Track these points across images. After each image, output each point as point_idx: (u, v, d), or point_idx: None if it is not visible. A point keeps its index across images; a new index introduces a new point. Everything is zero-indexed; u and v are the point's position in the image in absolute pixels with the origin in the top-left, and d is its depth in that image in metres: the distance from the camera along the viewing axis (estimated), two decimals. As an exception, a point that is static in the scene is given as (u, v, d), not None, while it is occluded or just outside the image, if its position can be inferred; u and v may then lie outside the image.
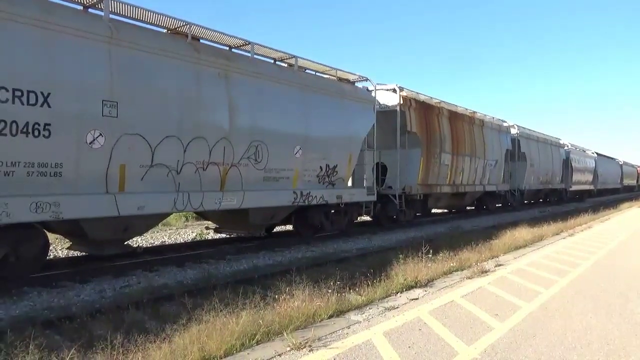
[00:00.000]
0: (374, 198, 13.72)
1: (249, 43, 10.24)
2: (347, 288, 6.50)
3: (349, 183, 14.37)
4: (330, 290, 5.99)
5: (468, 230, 14.92)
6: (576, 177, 34.67)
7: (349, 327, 5.05)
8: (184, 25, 9.12)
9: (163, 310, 5.76)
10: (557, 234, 13.88)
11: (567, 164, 32.61)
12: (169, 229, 13.92)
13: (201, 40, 9.81)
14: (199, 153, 8.77)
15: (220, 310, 4.86)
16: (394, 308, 5.83)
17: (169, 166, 8.29)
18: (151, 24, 9.05)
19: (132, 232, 8.67)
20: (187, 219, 15.76)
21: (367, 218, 17.19)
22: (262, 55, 11.10)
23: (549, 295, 6.61)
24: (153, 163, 8.03)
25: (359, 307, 5.83)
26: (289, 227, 13.72)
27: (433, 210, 20.85)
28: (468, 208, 22.93)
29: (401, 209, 15.23)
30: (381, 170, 15.63)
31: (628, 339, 4.87)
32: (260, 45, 10.56)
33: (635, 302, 6.33)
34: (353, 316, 5.49)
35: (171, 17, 8.97)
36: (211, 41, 10.06)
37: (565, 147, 33.42)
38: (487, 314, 5.61)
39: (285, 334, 4.59)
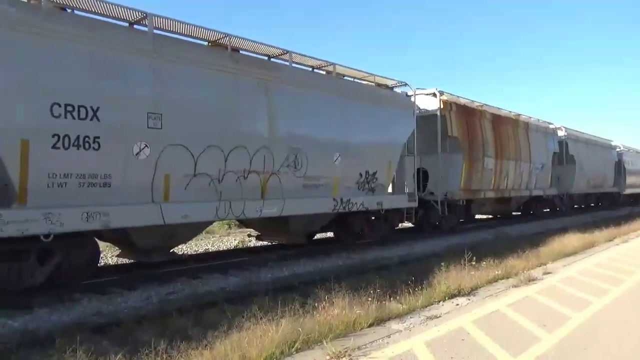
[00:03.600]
0: (415, 204, 13.52)
1: (287, 52, 10.37)
2: (388, 296, 6.42)
3: (390, 189, 14.25)
4: (370, 299, 5.95)
5: (514, 236, 14.46)
6: (630, 180, 32.88)
7: (389, 336, 4.98)
8: (223, 37, 9.34)
9: (205, 317, 5.87)
10: (609, 241, 13.22)
11: (619, 166, 31.04)
12: (212, 237, 14.23)
13: (240, 51, 10.04)
14: (239, 162, 8.93)
15: (261, 318, 4.91)
16: (436, 317, 5.72)
17: (210, 175, 8.48)
18: (193, 37, 9.33)
19: (177, 240, 8.92)
20: (229, 227, 16.07)
21: (409, 225, 16.98)
22: (300, 64, 11.21)
23: (601, 305, 6.29)
24: (196, 172, 8.23)
25: (399, 316, 5.75)
26: (330, 235, 13.73)
27: (477, 216, 20.33)
28: (514, 214, 22.22)
29: (443, 215, 14.94)
30: (422, 176, 15.41)
31: (690, 353, 4.56)
32: (298, 54, 10.67)
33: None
34: (394, 325, 5.42)
35: (211, 30, 9.21)
36: (250, 51, 10.27)
37: (617, 149, 31.84)
38: (535, 324, 5.40)
39: (324, 343, 4.59)
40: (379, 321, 5.49)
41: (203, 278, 8.41)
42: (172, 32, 8.99)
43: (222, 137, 8.64)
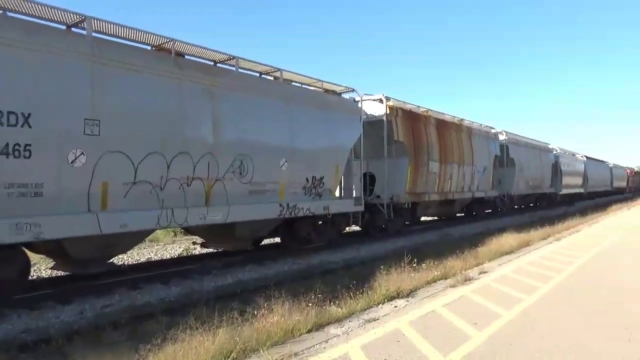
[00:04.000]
0: (361, 208, 13.76)
1: (234, 57, 10.33)
2: (329, 301, 6.52)
3: (337, 194, 14.42)
4: (310, 304, 6.01)
5: (456, 237, 14.98)
6: (566, 180, 34.88)
7: (327, 341, 5.06)
8: (168, 42, 9.18)
9: (142, 329, 5.73)
10: (544, 239, 13.96)
11: (556, 168, 32.85)
12: (157, 245, 13.86)
13: (186, 56, 9.91)
14: (182, 169, 8.79)
15: (197, 328, 4.85)
16: (374, 320, 5.85)
17: (152, 183, 8.29)
18: (136, 41, 9.12)
19: (115, 250, 8.66)
20: (175, 235, 15.69)
21: (357, 228, 17.25)
22: (247, 69, 11.19)
23: (530, 303, 6.65)
24: (136, 180, 8.03)
25: (339, 320, 5.84)
26: (278, 240, 13.72)
27: (422, 218, 20.90)
28: (458, 215, 23.02)
29: (389, 218, 15.27)
30: (369, 180, 15.71)
31: (604, 344, 4.91)
32: (245, 60, 10.65)
33: (613, 306, 6.38)
34: (332, 330, 5.50)
35: (155, 35, 9.04)
36: (196, 56, 10.15)
37: (554, 152, 33.71)
38: (467, 323, 5.64)
39: (261, 351, 4.60)
40: (318, 326, 5.56)
41: (143, 288, 8.19)
42: (114, 35, 8.77)
43: (164, 143, 8.48)
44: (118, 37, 8.79)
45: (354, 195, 14.34)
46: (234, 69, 10.28)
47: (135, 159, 7.97)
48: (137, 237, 8.91)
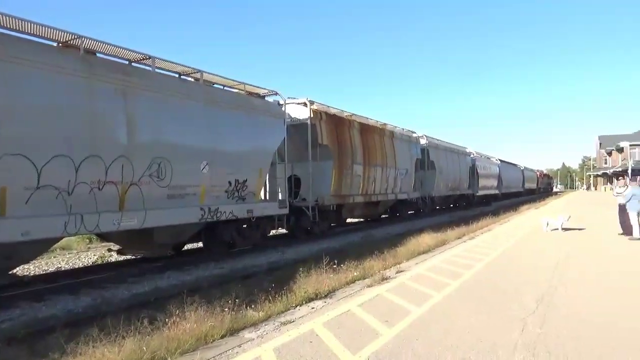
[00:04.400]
0: (286, 211, 13.81)
1: (150, 57, 9.99)
2: (246, 305, 6.46)
3: (262, 197, 14.39)
4: (227, 309, 5.94)
5: (379, 238, 15.44)
6: (482, 182, 37.17)
7: (240, 346, 5.02)
8: (75, 39, 8.71)
9: (42, 344, 5.37)
10: (459, 238, 14.76)
11: (473, 170, 34.90)
12: (69, 253, 13.06)
13: (98, 55, 9.45)
14: (93, 172, 8.36)
15: (100, 340, 4.63)
16: (290, 322, 5.89)
17: (58, 187, 7.81)
18: (40, 37, 8.56)
19: (17, 260, 8.05)
20: (90, 242, 14.88)
21: (284, 231, 17.29)
22: (165, 70, 10.87)
23: (439, 299, 7.00)
24: (39, 185, 7.53)
25: (255, 324, 5.81)
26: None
27: (348, 220, 21.36)
28: (382, 216, 23.76)
29: (315, 221, 15.46)
30: (295, 183, 15.83)
31: (501, 334, 5.27)
32: (162, 60, 10.34)
33: (513, 299, 6.88)
34: (247, 334, 5.47)
35: (62, 31, 8.55)
36: (110, 55, 9.70)
37: (472, 155, 35.77)
38: (378, 321, 5.83)
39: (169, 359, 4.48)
40: (233, 331, 5.50)
41: (50, 300, 7.70)
42: (18, 31, 8.19)
43: (72, 146, 8.03)
44: (22, 32, 8.23)
45: (279, 198, 14.38)
46: (150, 68, 9.93)
47: (38, 162, 7.47)
48: (42, 246, 8.33)
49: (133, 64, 10.07)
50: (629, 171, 41.95)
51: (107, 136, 8.70)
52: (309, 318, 6.07)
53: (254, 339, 5.26)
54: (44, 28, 8.31)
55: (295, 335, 5.35)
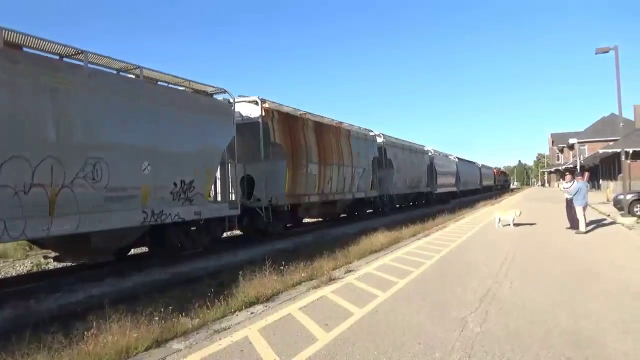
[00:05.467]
0: (237, 212, 13.40)
1: (82, 52, 9.40)
2: (180, 313, 6.08)
3: (216, 197, 13.95)
4: (157, 318, 5.57)
5: (333, 237, 15.24)
6: (440, 180, 37.71)
7: (164, 358, 4.67)
8: (-7, 31, 8.05)
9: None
10: (413, 236, 14.78)
11: (431, 168, 35.33)
12: (3, 262, 12.24)
13: (25, 49, 8.82)
14: (17, 174, 7.73)
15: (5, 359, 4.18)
16: (224, 330, 5.57)
17: (-25, 191, 7.18)
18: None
19: None
20: (30, 249, 14.02)
21: (239, 232, 16.86)
22: (101, 65, 10.29)
23: (383, 299, 6.83)
24: (-48, 189, 6.89)
25: (186, 333, 5.47)
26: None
27: (306, 220, 21.11)
28: (341, 216, 23.62)
29: (269, 221, 15.12)
30: (249, 183, 15.43)
31: (441, 335, 5.13)
32: (97, 55, 9.77)
33: (458, 296, 6.80)
34: (175, 344, 5.12)
35: (-21, 23, 7.89)
36: (38, 50, 9.08)
37: (429, 153, 36.21)
38: (317, 325, 5.59)
39: (80, 377, 4.08)
40: (161, 342, 5.15)
41: (-33, 314, 7.06)
42: None
43: (-10, 145, 7.40)
44: None
45: (231, 198, 13.96)
46: (83, 64, 9.35)
47: (-49, 164, 6.83)
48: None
49: (65, 59, 9.47)
50: (578, 167, 43.63)
51: (33, 136, 8.08)
52: (245, 324, 5.77)
53: (181, 350, 4.92)
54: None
55: (226, 344, 5.04)
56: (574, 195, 14.39)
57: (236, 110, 14.02)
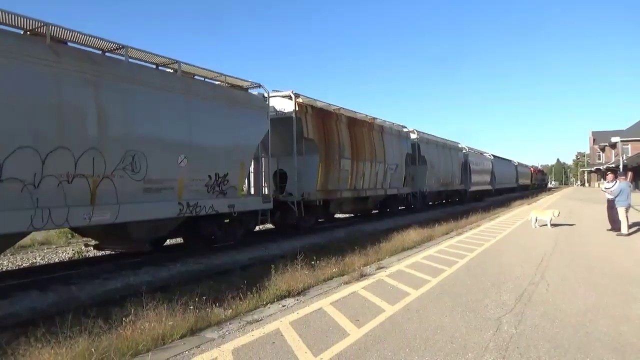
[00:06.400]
0: (270, 206, 13.54)
1: (123, 47, 9.69)
2: (214, 303, 6.21)
3: (250, 191, 14.14)
4: (192, 307, 5.71)
5: (365, 234, 15.19)
6: (475, 178, 36.99)
7: (198, 347, 4.77)
8: (42, 26, 8.39)
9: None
10: (446, 234, 14.55)
11: (466, 166, 34.70)
12: (47, 248, 12.77)
13: (68, 44, 9.15)
14: (61, 165, 8.07)
15: (48, 342, 4.37)
16: (257, 321, 5.64)
17: (23, 180, 7.52)
18: (5, 24, 8.25)
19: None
20: (72, 236, 14.59)
21: (271, 226, 17.03)
22: (141, 60, 10.57)
23: (415, 296, 6.77)
24: (2, 177, 7.23)
25: (219, 323, 5.57)
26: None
27: (337, 215, 21.12)
28: (373, 212, 23.52)
29: (300, 216, 15.21)
30: (281, 177, 15.56)
31: (472, 336, 5.04)
32: (137, 50, 10.04)
33: (492, 297, 6.66)
34: (209, 334, 5.22)
35: (28, 18, 8.23)
36: (81, 44, 9.41)
37: (464, 150, 35.57)
38: (348, 320, 5.59)
39: (118, 362, 4.23)
40: (196, 331, 5.27)
41: (16, 297, 7.43)
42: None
43: (38, 137, 7.73)
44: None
45: (264, 192, 14.11)
46: (123, 58, 9.62)
47: (0, 154, 7.16)
48: (7, 241, 8.04)
49: (106, 53, 9.76)
50: (620, 167, 41.93)
51: (77, 128, 8.39)
52: (277, 317, 5.83)
53: (214, 339, 5.02)
54: (6, 14, 7.98)
55: (258, 335, 5.11)
56: (616, 196, 13.85)
57: (270, 104, 14.13)
